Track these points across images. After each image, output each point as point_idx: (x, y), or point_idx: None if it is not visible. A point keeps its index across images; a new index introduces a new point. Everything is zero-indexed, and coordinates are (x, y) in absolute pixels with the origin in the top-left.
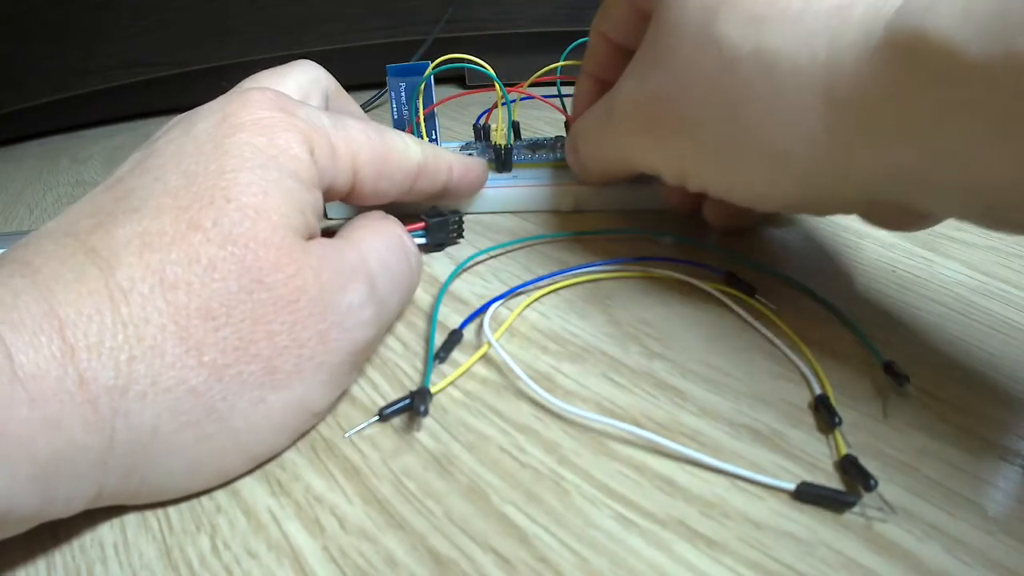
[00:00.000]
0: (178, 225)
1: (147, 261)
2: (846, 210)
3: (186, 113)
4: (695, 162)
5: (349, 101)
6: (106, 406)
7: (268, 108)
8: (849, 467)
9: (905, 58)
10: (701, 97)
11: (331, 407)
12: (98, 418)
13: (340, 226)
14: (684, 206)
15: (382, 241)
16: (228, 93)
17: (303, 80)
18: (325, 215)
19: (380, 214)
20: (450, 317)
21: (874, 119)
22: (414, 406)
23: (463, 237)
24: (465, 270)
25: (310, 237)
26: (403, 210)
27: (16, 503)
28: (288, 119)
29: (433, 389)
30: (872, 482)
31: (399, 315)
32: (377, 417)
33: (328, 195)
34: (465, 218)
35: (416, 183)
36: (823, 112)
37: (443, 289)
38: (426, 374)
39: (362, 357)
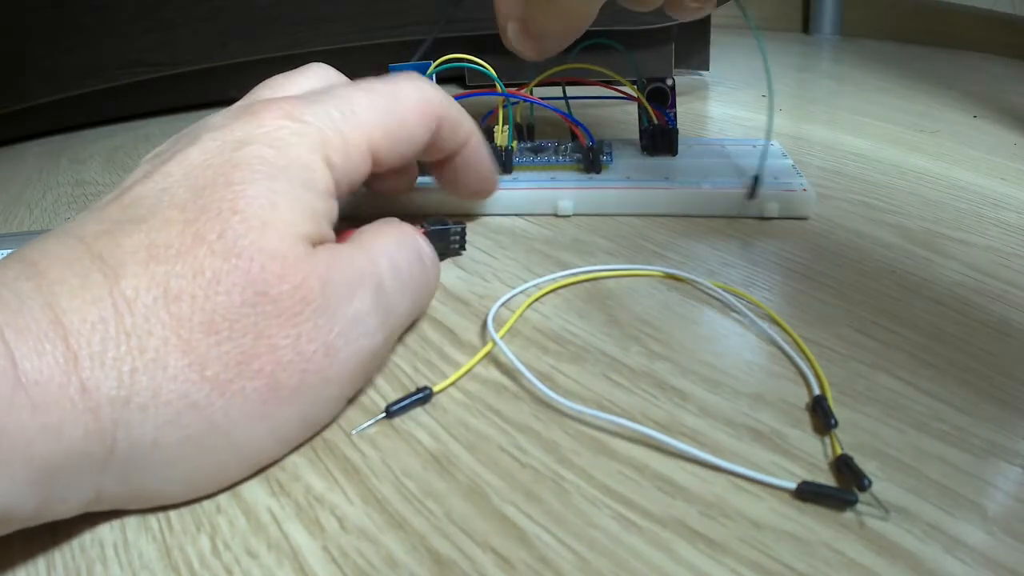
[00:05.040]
0: (184, 238)
1: (152, 272)
2: None
3: (193, 126)
4: None
5: None
6: (107, 416)
7: (277, 117)
8: (844, 467)
9: None
10: None
11: (336, 419)
12: (99, 427)
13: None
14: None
15: (395, 244)
16: (237, 106)
17: (315, 83)
18: None
19: (395, 220)
20: (450, 317)
21: None
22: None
23: (465, 249)
24: (469, 271)
25: (321, 244)
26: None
27: (13, 505)
28: (298, 127)
29: (435, 389)
30: (866, 482)
31: (411, 322)
32: (384, 414)
33: (351, 188)
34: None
35: (440, 131)
36: None
37: None
38: None
39: (369, 367)
